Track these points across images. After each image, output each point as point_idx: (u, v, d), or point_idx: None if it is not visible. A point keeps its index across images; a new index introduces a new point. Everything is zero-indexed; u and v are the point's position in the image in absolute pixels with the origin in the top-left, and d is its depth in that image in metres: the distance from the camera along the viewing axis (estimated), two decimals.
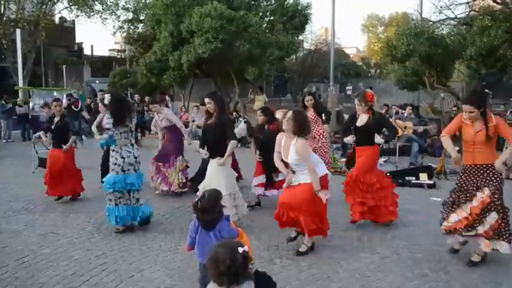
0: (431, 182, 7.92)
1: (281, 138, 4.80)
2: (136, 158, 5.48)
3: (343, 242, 5.08)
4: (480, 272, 4.24)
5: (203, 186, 5.25)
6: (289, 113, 4.64)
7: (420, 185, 7.89)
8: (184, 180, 7.22)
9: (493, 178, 4.24)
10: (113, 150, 5.43)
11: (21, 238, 5.22)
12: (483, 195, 4.23)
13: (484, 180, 4.28)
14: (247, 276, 2.50)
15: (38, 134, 8.32)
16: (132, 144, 5.52)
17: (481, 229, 4.25)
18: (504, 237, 4.23)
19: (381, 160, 10.03)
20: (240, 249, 2.47)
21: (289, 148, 4.62)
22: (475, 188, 4.31)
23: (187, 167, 7.36)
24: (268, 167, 6.19)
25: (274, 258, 4.58)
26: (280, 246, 4.88)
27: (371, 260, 4.55)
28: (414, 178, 8.08)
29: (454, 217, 4.40)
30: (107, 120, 6.22)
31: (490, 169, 4.26)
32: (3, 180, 8.46)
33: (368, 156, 5.62)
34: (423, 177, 8.06)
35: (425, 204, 6.59)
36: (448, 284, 4.03)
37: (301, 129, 4.56)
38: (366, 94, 5.70)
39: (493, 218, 4.21)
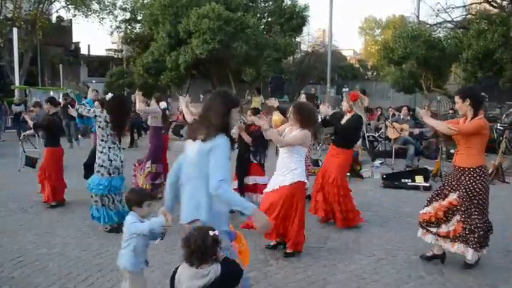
0: (427, 184, 7.94)
1: (285, 128, 4.82)
2: (122, 162, 5.46)
3: (339, 244, 5.09)
4: (475, 274, 4.25)
5: None
6: (291, 108, 4.67)
7: (417, 188, 7.91)
8: (150, 187, 6.85)
9: (468, 183, 4.19)
10: (100, 152, 5.36)
11: (16, 238, 5.19)
12: (453, 197, 4.27)
13: (458, 183, 4.27)
14: (215, 259, 2.74)
15: (26, 132, 8.30)
16: (119, 148, 5.49)
17: (444, 228, 4.31)
18: (471, 244, 4.18)
19: (378, 162, 10.07)
20: (211, 233, 2.72)
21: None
22: (449, 189, 4.34)
23: (159, 174, 7.03)
24: (242, 170, 6.20)
25: (271, 260, 4.58)
26: (276, 247, 4.88)
27: (367, 262, 4.57)
28: (410, 180, 8.10)
29: (425, 208, 4.50)
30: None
31: (466, 173, 4.21)
32: None
33: (346, 160, 5.73)
34: (419, 179, 8.08)
35: (421, 206, 6.54)
36: (444, 286, 4.05)
37: (303, 121, 4.51)
38: (350, 93, 5.86)
39: (455, 221, 4.24)
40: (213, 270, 2.74)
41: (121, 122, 5.49)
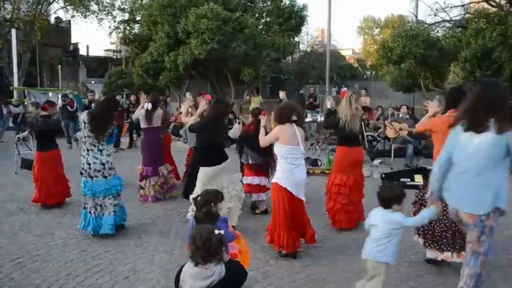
0: None
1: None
2: (103, 164, 5.19)
3: (338, 243, 5.09)
4: None
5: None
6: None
7: (415, 187, 7.90)
8: (139, 184, 7.01)
9: None
10: (81, 154, 5.27)
11: (16, 239, 5.20)
12: None
13: None
14: (220, 259, 2.80)
15: (21, 135, 8.29)
16: (100, 150, 5.21)
17: None
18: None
19: (377, 162, 10.07)
20: (216, 232, 2.79)
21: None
22: None
23: (145, 176, 6.98)
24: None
25: (270, 260, 4.58)
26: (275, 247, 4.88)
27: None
28: (409, 180, 8.10)
29: None
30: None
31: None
32: None
33: (338, 157, 5.72)
34: (418, 179, 8.07)
35: None
36: (443, 285, 4.04)
37: (276, 119, 4.62)
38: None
39: None
40: (217, 272, 2.74)
41: (100, 124, 5.19)
